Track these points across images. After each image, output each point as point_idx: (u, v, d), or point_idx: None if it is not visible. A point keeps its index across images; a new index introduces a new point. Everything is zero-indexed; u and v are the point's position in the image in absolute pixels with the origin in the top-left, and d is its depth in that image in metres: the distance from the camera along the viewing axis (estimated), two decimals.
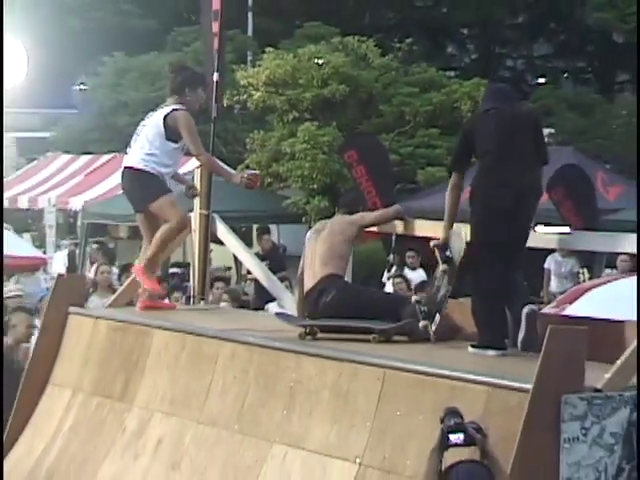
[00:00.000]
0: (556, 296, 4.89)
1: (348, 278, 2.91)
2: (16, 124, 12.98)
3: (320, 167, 8.03)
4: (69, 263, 7.44)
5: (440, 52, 13.31)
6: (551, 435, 1.96)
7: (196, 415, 2.61)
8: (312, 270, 2.80)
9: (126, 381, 2.85)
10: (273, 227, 8.48)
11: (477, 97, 8.18)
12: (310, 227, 6.31)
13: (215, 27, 3.38)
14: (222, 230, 3.40)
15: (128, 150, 3.11)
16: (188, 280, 3.91)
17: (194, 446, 2.57)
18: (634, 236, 2.48)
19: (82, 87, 12.75)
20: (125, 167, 3.09)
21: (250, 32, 11.81)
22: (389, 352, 2.41)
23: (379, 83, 8.79)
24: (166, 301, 3.96)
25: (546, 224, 2.92)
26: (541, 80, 13.34)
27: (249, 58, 10.90)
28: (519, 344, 2.51)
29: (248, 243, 5.38)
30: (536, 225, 2.60)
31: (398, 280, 5.44)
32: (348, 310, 2.68)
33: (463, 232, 2.51)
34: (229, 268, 6.88)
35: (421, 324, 2.55)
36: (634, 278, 3.33)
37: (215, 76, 3.35)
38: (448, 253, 2.54)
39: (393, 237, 6.56)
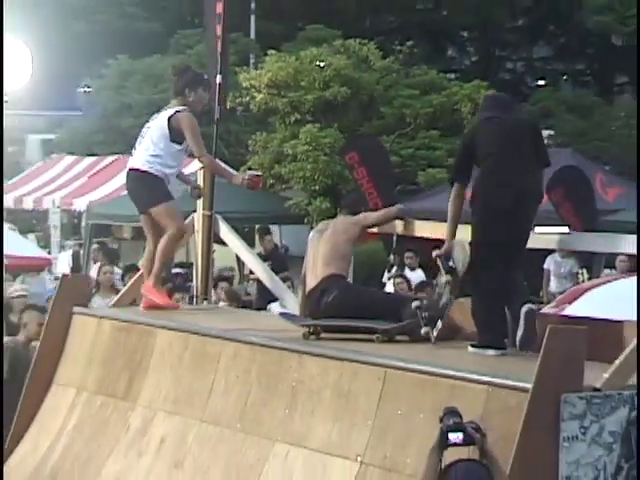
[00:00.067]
0: (555, 296, 4.92)
1: (349, 278, 2.92)
2: (21, 125, 13.07)
3: (322, 168, 8.07)
4: (73, 263, 7.49)
5: (440, 55, 13.39)
6: (550, 434, 1.98)
7: (199, 414, 2.63)
8: (314, 270, 2.82)
9: (130, 380, 2.87)
10: (275, 228, 8.54)
11: (477, 99, 8.23)
12: (312, 228, 6.35)
13: (218, 30, 3.41)
14: (225, 231, 3.42)
15: (133, 152, 3.14)
16: (191, 280, 3.93)
17: (197, 445, 2.59)
18: (633, 237, 2.50)
19: (86, 89, 12.90)
20: (130, 169, 3.12)
21: (253, 35, 11.91)
22: (390, 352, 2.42)
23: (380, 85, 8.84)
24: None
25: (546, 225, 2.94)
26: (541, 82, 13.42)
27: (251, 60, 10.92)
28: (517, 342, 2.52)
29: (250, 244, 5.42)
30: (536, 226, 2.61)
31: (399, 280, 5.46)
32: (349, 310, 2.70)
33: (467, 244, 2.51)
34: (232, 269, 6.91)
35: (423, 331, 2.56)
36: (633, 278, 3.36)
37: (218, 78, 3.37)
38: (451, 264, 2.54)
39: (394, 238, 6.58)
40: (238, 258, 5.20)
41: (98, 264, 6.27)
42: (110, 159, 9.65)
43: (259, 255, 4.74)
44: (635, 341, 2.14)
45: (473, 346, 2.52)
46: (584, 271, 6.05)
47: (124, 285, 4.34)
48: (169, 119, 3.04)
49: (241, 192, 4.14)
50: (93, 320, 3.09)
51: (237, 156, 9.10)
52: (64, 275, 3.80)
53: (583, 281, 5.69)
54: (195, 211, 3.41)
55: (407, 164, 8.41)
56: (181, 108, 3.05)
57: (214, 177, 3.35)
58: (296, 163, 8.21)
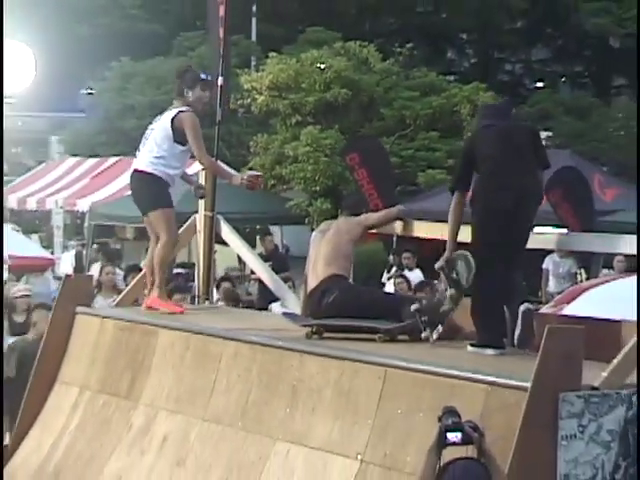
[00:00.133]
0: (554, 296, 4.93)
1: (350, 278, 2.94)
2: (25, 127, 13.14)
3: (322, 170, 8.12)
4: (76, 264, 7.52)
5: (440, 57, 13.50)
6: (549, 432, 1.99)
7: (201, 413, 2.65)
8: (315, 270, 2.84)
9: (132, 379, 2.89)
10: (277, 228, 8.57)
11: (476, 101, 8.29)
12: (313, 229, 6.36)
13: (221, 33, 3.43)
14: (226, 231, 3.43)
15: (137, 154, 3.15)
16: (193, 280, 3.96)
17: (199, 443, 2.61)
18: (631, 237, 2.51)
19: (89, 91, 12.94)
20: (134, 170, 3.14)
21: (254, 37, 11.99)
22: (390, 351, 2.44)
23: (380, 87, 8.89)
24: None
25: (544, 225, 2.96)
26: (539, 84, 13.54)
27: (253, 63, 10.98)
28: (515, 341, 2.54)
29: (251, 244, 5.44)
30: (534, 227, 2.63)
31: (399, 280, 5.47)
32: (350, 310, 2.72)
33: (471, 257, 2.50)
34: (240, 269, 6.92)
35: (423, 335, 2.57)
36: (631, 278, 3.38)
37: (220, 80, 3.39)
38: (454, 275, 2.53)
39: (394, 238, 6.61)
40: (239, 258, 5.22)
41: (98, 264, 6.33)
42: (113, 160, 9.71)
43: (260, 255, 4.78)
44: (633, 340, 2.16)
45: (472, 345, 2.53)
46: (582, 271, 6.07)
47: (126, 285, 4.39)
48: (172, 120, 3.06)
49: (242, 193, 4.17)
50: (96, 320, 3.11)
51: (239, 157, 9.15)
52: (67, 275, 3.82)
53: (581, 281, 5.70)
54: (197, 212, 3.42)
55: (407, 165, 8.46)
56: (184, 108, 3.06)
57: (216, 178, 3.36)
58: (297, 164, 8.25)
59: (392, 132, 8.69)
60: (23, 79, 10.96)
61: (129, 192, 3.30)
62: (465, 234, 2.62)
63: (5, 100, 9.86)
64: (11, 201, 9.99)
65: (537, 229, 2.64)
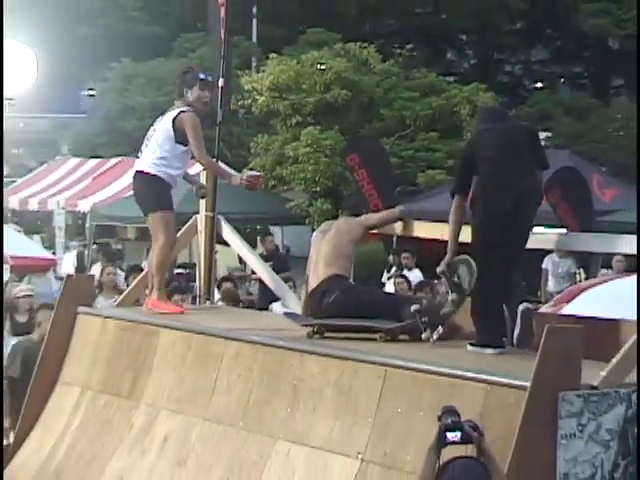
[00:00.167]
0: (553, 296, 4.95)
1: (350, 278, 2.96)
2: (27, 128, 13.19)
3: (323, 170, 8.14)
4: (78, 264, 7.53)
5: (440, 58, 13.55)
6: (548, 431, 2.00)
7: (202, 412, 2.66)
8: (316, 270, 2.84)
9: (133, 379, 2.90)
10: (277, 229, 8.59)
11: (476, 101, 8.32)
12: (313, 229, 6.36)
13: (221, 34, 3.44)
14: (227, 231, 3.44)
15: (139, 155, 3.15)
16: (194, 280, 3.96)
17: (200, 443, 2.62)
18: (630, 237, 2.52)
19: (90, 92, 12.98)
20: (136, 171, 3.15)
21: (254, 39, 12.03)
22: (390, 351, 2.45)
23: (380, 88, 8.91)
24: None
25: (543, 225, 2.98)
26: (538, 85, 13.61)
27: (253, 64, 11.03)
28: (514, 341, 2.55)
29: (252, 244, 5.45)
30: (534, 227, 2.65)
31: (399, 280, 5.47)
32: (350, 310, 2.73)
33: (473, 262, 2.50)
34: (242, 269, 6.95)
35: (423, 336, 2.57)
36: (629, 278, 3.39)
37: (221, 81, 3.39)
38: (456, 279, 2.53)
39: (394, 238, 6.62)
40: (240, 258, 5.24)
41: (98, 265, 6.35)
42: (114, 161, 9.75)
43: (260, 256, 4.79)
44: (632, 340, 2.17)
45: (472, 345, 2.54)
46: (581, 271, 6.08)
47: (127, 286, 4.40)
48: (173, 121, 3.07)
49: (243, 193, 4.18)
50: (97, 320, 3.12)
51: (239, 158, 9.18)
52: (69, 275, 3.82)
53: (580, 281, 5.71)
54: (198, 212, 3.44)
55: (407, 165, 8.48)
56: (185, 109, 3.07)
57: (216, 179, 3.37)
58: (297, 165, 8.28)
59: (392, 133, 8.71)
60: (24, 80, 11.00)
61: (130, 193, 3.31)
62: (465, 234, 2.63)
63: (7, 101, 9.91)
64: (13, 202, 10.05)
65: (536, 229, 2.65)
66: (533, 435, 2.00)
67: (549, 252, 6.01)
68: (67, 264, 7.62)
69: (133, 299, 3.41)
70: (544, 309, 3.54)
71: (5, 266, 5.36)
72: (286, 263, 6.73)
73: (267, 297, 4.89)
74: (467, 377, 2.18)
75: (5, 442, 3.11)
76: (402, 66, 9.49)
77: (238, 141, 9.95)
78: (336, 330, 2.72)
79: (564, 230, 4.16)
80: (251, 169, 7.90)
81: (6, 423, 3.22)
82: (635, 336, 2.16)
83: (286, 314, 2.99)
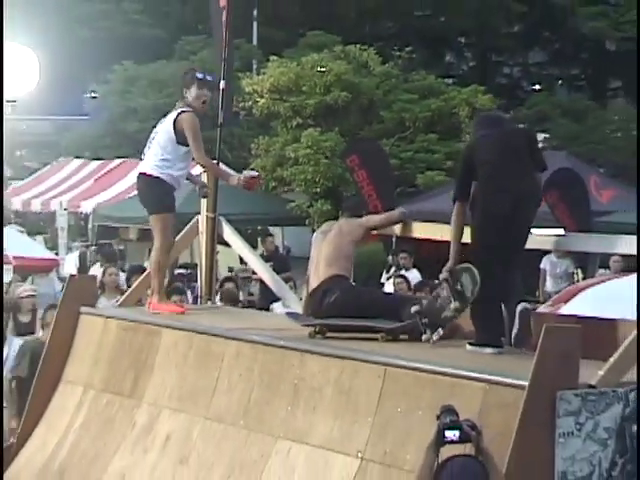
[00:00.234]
0: (551, 295, 4.95)
1: (350, 278, 2.98)
2: (29, 130, 13.24)
3: (323, 171, 8.19)
4: (80, 264, 7.53)
5: (438, 60, 13.66)
6: (546, 430, 2.02)
7: (203, 412, 2.68)
8: (317, 271, 2.86)
9: (135, 379, 2.92)
10: (278, 229, 8.61)
11: (474, 103, 8.36)
12: (313, 229, 6.38)
13: (223, 37, 3.46)
14: (228, 232, 3.46)
15: (142, 157, 3.17)
16: (195, 281, 3.99)
17: (201, 441, 2.63)
18: (628, 237, 2.54)
19: (93, 94, 13.00)
20: (140, 173, 3.17)
21: (255, 41, 12.10)
22: (390, 350, 2.47)
23: (380, 90, 8.98)
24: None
25: (541, 227, 3.00)
26: (536, 87, 13.74)
27: (254, 66, 11.08)
28: (513, 340, 2.58)
29: (252, 245, 5.48)
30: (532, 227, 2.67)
31: (399, 280, 5.48)
32: (350, 310, 2.75)
33: (475, 270, 2.52)
34: (232, 269, 6.98)
35: (424, 337, 2.59)
36: (627, 278, 3.42)
37: (222, 84, 3.41)
38: (459, 287, 2.55)
39: (393, 239, 6.66)
40: (241, 259, 5.25)
41: (97, 265, 6.35)
42: (116, 162, 9.79)
43: (261, 256, 4.81)
44: (629, 339, 2.18)
45: (471, 344, 2.56)
46: (579, 271, 6.11)
47: (127, 286, 4.40)
48: (174, 122, 3.08)
49: (244, 194, 4.21)
50: (100, 320, 3.14)
51: (240, 159, 9.22)
52: (71, 275, 3.83)
53: (578, 281, 5.73)
54: (199, 213, 3.46)
55: (406, 167, 8.53)
56: (184, 109, 3.08)
57: (218, 180, 3.39)
58: (298, 166, 8.33)
59: (391, 134, 8.76)
60: (27, 82, 11.02)
61: (132, 194, 3.33)
62: (465, 236, 2.65)
63: (9, 103, 9.95)
64: (16, 203, 10.11)
65: (535, 230, 2.68)
66: (531, 434, 2.02)
67: (547, 252, 6.05)
68: (69, 265, 7.61)
69: (135, 299, 3.43)
70: (542, 309, 3.55)
71: (8, 266, 5.39)
72: (286, 263, 6.77)
73: (268, 297, 4.91)
74: (466, 376, 2.20)
75: (12, 440, 3.12)
76: (401, 68, 9.56)
77: (239, 142, 9.99)
78: (338, 330, 2.73)
79: (562, 230, 4.19)
80: (252, 169, 7.92)
81: (14, 424, 3.23)
82: (632, 336, 2.18)
83: (288, 314, 3.01)
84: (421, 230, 3.02)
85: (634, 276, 3.09)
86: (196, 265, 3.91)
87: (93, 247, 7.88)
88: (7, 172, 10.86)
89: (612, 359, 2.16)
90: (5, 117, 6.99)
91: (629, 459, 2.12)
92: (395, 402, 2.28)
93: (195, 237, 3.49)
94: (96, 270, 5.94)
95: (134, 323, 3.04)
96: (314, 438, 2.39)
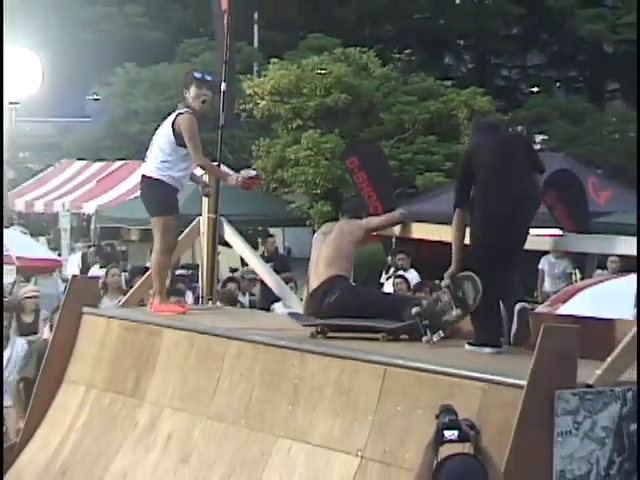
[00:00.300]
0: (550, 296, 4.99)
1: (350, 279, 3.00)
2: (32, 132, 13.30)
3: (323, 173, 8.23)
4: (83, 265, 7.57)
5: (438, 62, 13.73)
6: (545, 429, 2.03)
7: (205, 411, 2.69)
8: (317, 271, 2.88)
9: (137, 378, 2.93)
10: (278, 230, 8.65)
11: (473, 105, 8.40)
12: (314, 230, 6.41)
13: (225, 40, 3.48)
14: (229, 233, 3.47)
15: (145, 159, 3.18)
16: (196, 281, 4.01)
17: (203, 440, 2.65)
18: (626, 238, 2.56)
19: (95, 97, 13.04)
20: (142, 175, 3.18)
21: (256, 44, 12.18)
22: (390, 350, 2.49)
23: (379, 92, 9.03)
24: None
25: (540, 227, 3.03)
26: (534, 89, 13.77)
27: (255, 68, 11.18)
28: (511, 340, 2.59)
29: (253, 246, 5.50)
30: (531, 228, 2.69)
31: (399, 280, 5.50)
32: (350, 310, 2.77)
33: (477, 278, 2.53)
34: (235, 270, 7.01)
35: (424, 339, 2.61)
36: (624, 278, 3.44)
37: (223, 86, 3.41)
38: (460, 295, 2.56)
39: (393, 239, 6.69)
40: (242, 259, 5.27)
41: (96, 267, 6.39)
42: (118, 164, 9.84)
43: (262, 257, 4.83)
44: (626, 339, 2.19)
45: (470, 344, 2.58)
46: (577, 271, 6.14)
47: (128, 287, 4.42)
48: (173, 124, 3.09)
49: (245, 195, 4.23)
50: (102, 320, 3.15)
51: (241, 161, 9.25)
52: (74, 276, 3.86)
53: (576, 281, 5.76)
54: (201, 214, 3.48)
55: (405, 168, 8.57)
56: (183, 110, 3.09)
57: (219, 181, 3.40)
58: (298, 167, 8.37)
59: (391, 136, 8.80)
60: (30, 85, 11.07)
61: (134, 195, 3.34)
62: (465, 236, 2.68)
63: (12, 105, 9.98)
64: (19, 204, 10.17)
65: (533, 230, 2.70)
66: (530, 433, 2.03)
67: (545, 253, 6.07)
68: (72, 265, 7.65)
69: (137, 299, 3.45)
70: (541, 309, 3.58)
71: (12, 267, 5.42)
72: (287, 264, 6.80)
73: (268, 297, 4.93)
74: (465, 376, 2.21)
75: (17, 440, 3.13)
76: (401, 70, 9.61)
77: (240, 144, 10.04)
78: (339, 330, 2.75)
79: (560, 231, 4.22)
80: (252, 168, 7.95)
81: (22, 424, 3.24)
82: (629, 335, 2.19)
83: (290, 314, 3.02)
84: (420, 231, 3.04)
85: (631, 276, 3.12)
86: (197, 266, 3.93)
87: (92, 248, 7.90)
88: (10, 174, 10.91)
89: (610, 359, 2.17)
90: (8, 119, 7.00)
91: (627, 458, 2.13)
92: (395, 401, 2.29)
93: (197, 238, 3.51)
94: (95, 271, 6.00)
95: (136, 323, 3.06)
96: (314, 437, 2.41)
